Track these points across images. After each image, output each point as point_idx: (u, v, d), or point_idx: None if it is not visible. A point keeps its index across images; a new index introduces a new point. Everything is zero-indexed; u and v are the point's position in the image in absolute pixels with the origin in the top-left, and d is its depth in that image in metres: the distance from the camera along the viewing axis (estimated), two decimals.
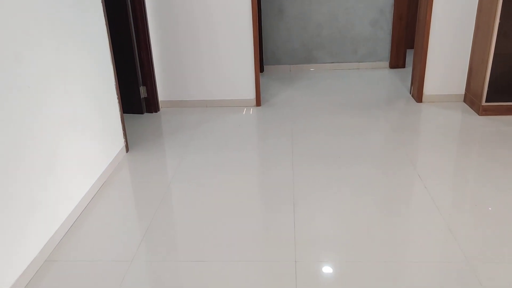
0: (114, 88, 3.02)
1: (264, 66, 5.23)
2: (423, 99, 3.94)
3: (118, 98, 3.07)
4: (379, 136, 3.30)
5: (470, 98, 3.76)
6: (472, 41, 3.71)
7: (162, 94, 4.07)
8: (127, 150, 3.20)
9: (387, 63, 5.11)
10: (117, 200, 2.62)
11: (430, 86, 3.90)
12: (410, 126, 3.50)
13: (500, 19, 3.29)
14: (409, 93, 4.21)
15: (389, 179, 2.70)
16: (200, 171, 2.89)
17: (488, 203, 2.38)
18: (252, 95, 4.06)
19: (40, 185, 2.09)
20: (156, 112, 4.00)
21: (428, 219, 2.28)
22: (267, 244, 2.16)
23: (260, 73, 5.11)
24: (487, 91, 3.49)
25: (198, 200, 2.56)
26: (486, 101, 3.53)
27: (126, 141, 3.18)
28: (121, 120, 3.12)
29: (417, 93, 3.95)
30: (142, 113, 3.96)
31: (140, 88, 3.86)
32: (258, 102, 4.07)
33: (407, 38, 4.98)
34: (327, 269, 1.97)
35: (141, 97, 3.90)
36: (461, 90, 3.89)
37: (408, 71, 4.92)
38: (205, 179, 2.79)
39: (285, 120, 3.69)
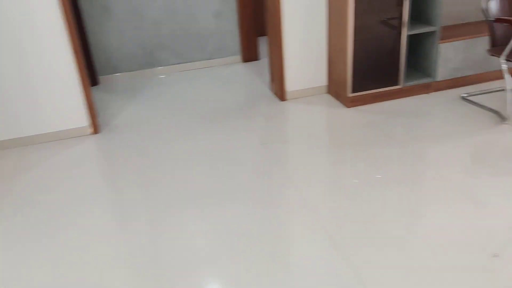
0: None
1: (100, 77, 4.31)
2: (287, 97, 3.52)
3: None
4: (248, 154, 2.76)
5: (335, 90, 3.44)
6: (327, 28, 3.38)
7: None
8: None
9: (239, 57, 4.62)
10: None
11: (292, 82, 3.48)
12: (279, 131, 3.03)
13: (355, 1, 2.97)
14: (270, 91, 3.76)
15: (267, 199, 2.17)
16: (15, 264, 2.01)
17: (369, 203, 2.02)
18: (85, 121, 3.18)
19: None
20: None
21: (311, 234, 1.81)
22: None
23: (96, 87, 4.21)
24: (352, 81, 3.20)
25: None
26: (352, 92, 3.23)
27: None
28: None
29: (280, 91, 3.51)
30: None
31: None
32: (96, 129, 3.22)
33: (256, 27, 4.53)
34: None
35: None
36: (325, 82, 3.57)
37: (263, 63, 4.50)
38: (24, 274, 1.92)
39: (132, 151, 2.92)
